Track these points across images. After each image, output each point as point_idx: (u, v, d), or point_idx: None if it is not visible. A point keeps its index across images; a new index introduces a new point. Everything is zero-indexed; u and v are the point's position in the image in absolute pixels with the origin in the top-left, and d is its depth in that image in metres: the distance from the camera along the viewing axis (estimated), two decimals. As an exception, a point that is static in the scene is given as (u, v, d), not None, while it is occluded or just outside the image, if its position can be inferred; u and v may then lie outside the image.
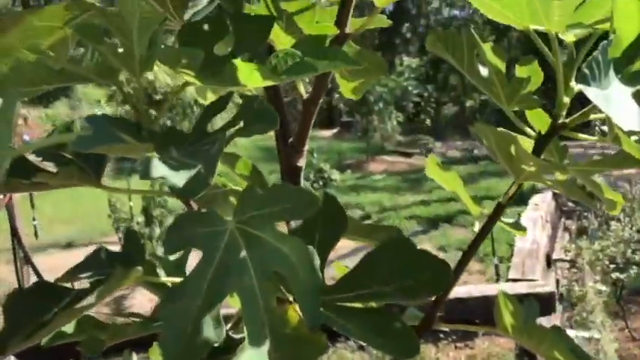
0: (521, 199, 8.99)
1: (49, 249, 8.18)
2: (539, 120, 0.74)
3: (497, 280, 5.52)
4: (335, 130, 20.05)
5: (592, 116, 0.70)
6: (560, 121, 0.70)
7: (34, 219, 8.95)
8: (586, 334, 4.95)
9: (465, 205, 0.83)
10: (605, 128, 0.70)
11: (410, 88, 17.00)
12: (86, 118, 0.45)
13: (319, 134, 19.28)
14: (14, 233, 5.46)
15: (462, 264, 0.73)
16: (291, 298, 0.55)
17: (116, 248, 0.71)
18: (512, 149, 0.61)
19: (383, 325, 0.58)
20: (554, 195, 9.33)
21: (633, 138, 0.62)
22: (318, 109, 0.68)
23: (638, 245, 6.56)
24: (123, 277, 0.61)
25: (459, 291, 5.20)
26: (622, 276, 6.19)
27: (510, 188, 0.69)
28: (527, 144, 0.71)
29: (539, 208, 8.02)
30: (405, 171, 13.89)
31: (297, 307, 0.51)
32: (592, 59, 0.52)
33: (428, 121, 20.30)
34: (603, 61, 0.52)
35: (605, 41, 0.53)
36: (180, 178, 0.45)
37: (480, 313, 4.94)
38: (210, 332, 0.48)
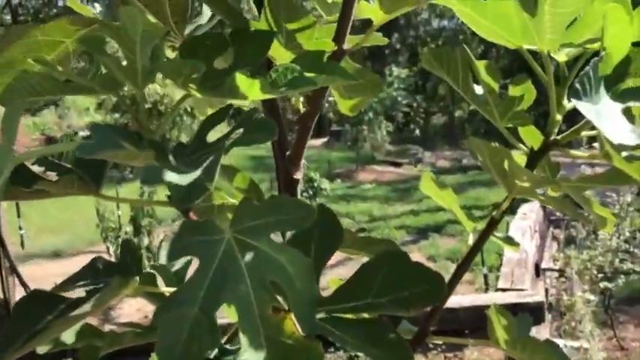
0: (509, 208, 9.04)
1: (36, 258, 8.11)
2: (531, 136, 0.75)
3: (487, 290, 5.54)
4: (324, 139, 20.09)
5: (583, 133, 0.72)
6: (552, 138, 0.71)
7: (20, 228, 8.87)
8: (575, 344, 4.98)
9: (459, 220, 0.85)
10: (596, 145, 0.72)
11: (399, 98, 17.10)
12: (90, 127, 0.46)
13: (309, 143, 19.22)
14: (0, 242, 5.40)
15: (456, 277, 0.74)
16: (287, 307, 0.56)
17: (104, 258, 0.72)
18: (506, 164, 0.62)
19: (377, 335, 0.59)
20: (543, 205, 9.40)
21: (623, 154, 0.64)
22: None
23: (626, 255, 6.62)
24: (120, 287, 0.62)
25: (449, 301, 5.21)
26: (610, 285, 6.24)
27: (504, 203, 0.71)
28: (520, 160, 0.72)
29: (528, 217, 8.06)
30: (395, 180, 13.94)
31: (292, 316, 0.52)
32: (583, 75, 0.53)
33: (417, 131, 20.41)
34: (594, 77, 0.54)
35: (596, 58, 0.54)
36: (180, 185, 0.46)
37: (469, 323, 4.96)
38: (206, 341, 0.48)
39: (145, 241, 6.65)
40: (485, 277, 5.68)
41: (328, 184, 10.60)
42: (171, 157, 0.54)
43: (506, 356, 4.48)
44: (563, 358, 0.61)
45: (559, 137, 0.71)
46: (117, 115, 15.36)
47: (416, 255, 7.12)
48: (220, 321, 0.51)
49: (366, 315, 0.62)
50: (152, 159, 0.48)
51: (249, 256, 0.54)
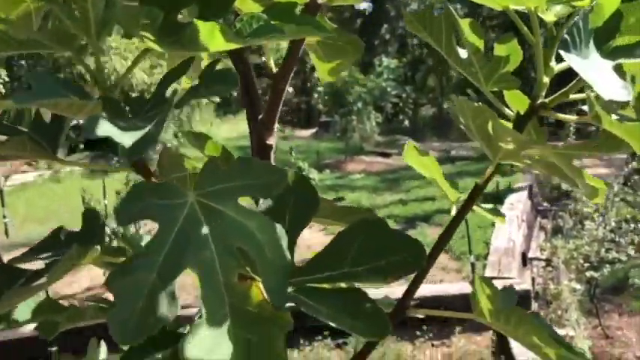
0: (497, 199, 9.06)
1: (21, 247, 8.01)
2: (517, 101, 0.72)
3: (474, 279, 5.54)
4: (313, 130, 20.01)
5: (572, 96, 0.69)
6: (539, 101, 0.68)
7: (4, 216, 8.77)
8: (561, 332, 4.99)
9: (443, 189, 0.81)
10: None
11: (389, 88, 17.05)
12: (29, 74, 0.42)
13: (298, 134, 19.23)
14: (-17, 231, 5.33)
15: (438, 246, 0.71)
16: (254, 276, 0.52)
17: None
18: (491, 126, 0.58)
19: (354, 306, 0.55)
20: (530, 195, 9.43)
21: (613, 117, 0.60)
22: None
23: (612, 244, 6.65)
24: (80, 256, 0.58)
25: (436, 289, 5.21)
26: (596, 274, 6.27)
27: (488, 169, 0.67)
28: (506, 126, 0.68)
29: (515, 207, 8.08)
30: (384, 171, 13.92)
31: (260, 285, 0.48)
32: (573, 26, 0.50)
33: (406, 122, 20.38)
34: (584, 29, 0.50)
35: (586, 7, 0.51)
36: (126, 138, 0.42)
37: (456, 311, 4.97)
38: (164, 309, 0.44)
39: (131, 229, 6.58)
40: (473, 265, 5.68)
41: (317, 174, 10.56)
42: (128, 113, 0.50)
43: (494, 343, 4.48)
44: (547, 329, 0.58)
45: (547, 100, 0.67)
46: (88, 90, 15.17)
47: (404, 244, 7.07)
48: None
49: (343, 285, 0.59)
50: (100, 110, 0.44)
51: (214, 221, 0.50)
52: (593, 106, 0.63)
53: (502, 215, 0.82)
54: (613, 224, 7.01)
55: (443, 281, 5.69)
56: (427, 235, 7.72)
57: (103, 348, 0.84)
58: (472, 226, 6.41)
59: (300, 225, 0.65)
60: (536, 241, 7.29)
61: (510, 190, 9.56)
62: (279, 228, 0.53)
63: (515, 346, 4.23)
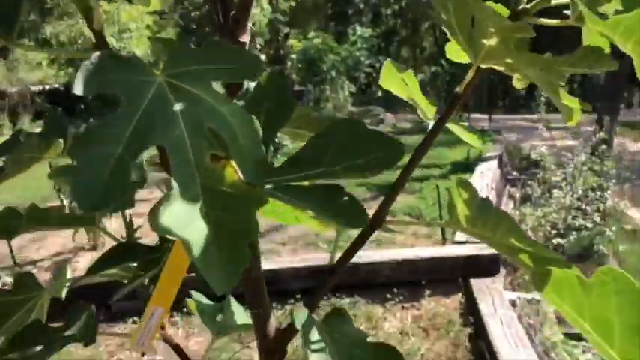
0: (467, 168, 9.16)
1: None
2: (498, 9, 0.70)
3: (444, 243, 5.61)
4: (286, 100, 19.81)
5: (553, 2, 0.67)
6: (520, 7, 0.66)
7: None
8: (528, 296, 5.10)
9: (420, 108, 0.80)
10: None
11: (362, 58, 16.95)
12: None
13: (270, 103, 19.00)
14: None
15: (414, 160, 0.69)
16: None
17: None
18: (472, 13, 0.56)
19: (332, 199, 0.54)
20: (500, 164, 9.56)
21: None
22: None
23: (578, 212, 6.80)
24: (41, 148, 0.54)
25: (407, 253, 5.26)
26: (562, 241, 6.41)
27: (469, 73, 0.65)
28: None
29: (485, 176, 8.19)
30: (356, 141, 13.91)
31: (234, 163, 0.46)
32: None
33: (379, 93, 20.35)
34: None
35: None
36: None
37: (425, 273, 5.03)
38: (133, 177, 0.42)
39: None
40: (443, 231, 5.75)
41: (290, 142, 10.50)
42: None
43: (462, 305, 4.55)
44: (523, 232, 0.57)
45: (528, 6, 0.65)
46: (71, 70, 14.81)
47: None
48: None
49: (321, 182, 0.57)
50: None
51: (183, 101, 0.48)
52: (576, 6, 0.61)
53: (479, 139, 0.80)
54: (580, 193, 7.15)
55: (414, 246, 5.74)
56: (398, 201, 7.78)
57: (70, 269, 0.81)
58: (442, 191, 6.47)
59: (275, 127, 0.62)
60: (505, 209, 7.40)
61: (481, 159, 9.67)
62: (254, 119, 0.51)
63: (484, 307, 4.31)
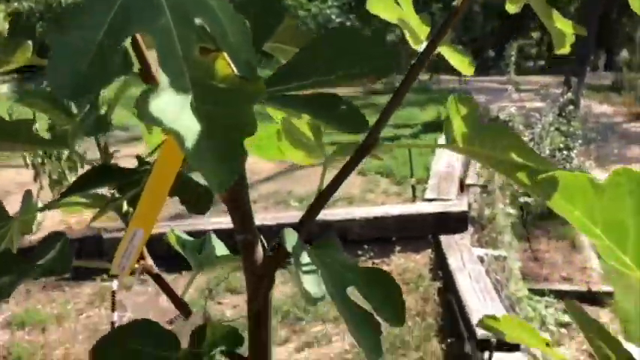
0: (438, 127, 9.20)
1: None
2: None
3: (414, 200, 5.66)
4: (256, 59, 19.50)
5: None
6: None
7: None
8: (495, 253, 5.20)
9: (411, 30, 0.76)
10: None
11: (332, 16, 16.72)
12: None
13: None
14: None
15: (404, 84, 0.65)
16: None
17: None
18: None
19: (330, 106, 0.50)
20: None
21: None
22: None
23: (545, 171, 6.92)
24: (7, 51, 0.49)
25: (377, 211, 5.30)
26: (529, 200, 6.53)
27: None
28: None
29: (456, 135, 8.22)
30: (326, 101, 13.85)
31: (226, 56, 0.42)
32: None
33: (350, 53, 20.12)
34: None
35: None
36: None
37: (395, 230, 5.07)
38: (115, 65, 0.38)
39: (65, 151, 6.29)
40: (414, 188, 5.78)
41: (259, 101, 10.37)
42: None
43: (431, 260, 4.61)
44: (525, 146, 0.54)
45: None
46: (15, 4, 14.18)
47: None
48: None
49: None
50: None
51: (168, -10, 0.43)
52: None
53: (466, 59, 0.77)
54: (547, 152, 7.27)
55: (384, 204, 5.78)
56: (369, 161, 7.80)
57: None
58: (413, 151, 6.50)
59: (263, 37, 0.58)
60: (474, 168, 7.47)
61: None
62: (244, 18, 0.47)
63: (453, 262, 4.38)
